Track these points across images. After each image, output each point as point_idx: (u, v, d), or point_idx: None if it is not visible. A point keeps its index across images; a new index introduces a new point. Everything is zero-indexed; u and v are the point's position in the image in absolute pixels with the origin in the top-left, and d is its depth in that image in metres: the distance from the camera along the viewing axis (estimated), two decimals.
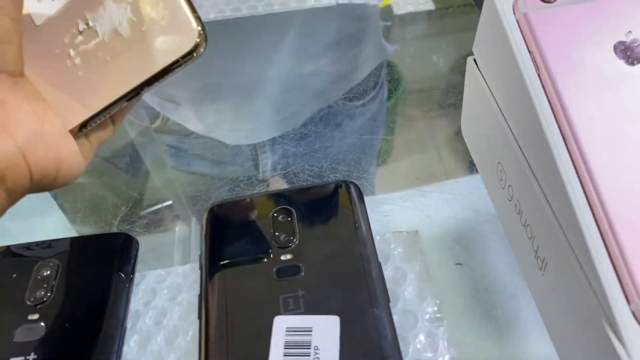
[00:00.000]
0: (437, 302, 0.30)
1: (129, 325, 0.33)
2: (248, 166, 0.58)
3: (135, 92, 0.25)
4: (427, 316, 0.30)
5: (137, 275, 0.35)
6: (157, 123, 0.58)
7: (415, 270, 0.32)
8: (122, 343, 0.32)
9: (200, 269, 0.33)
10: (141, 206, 0.53)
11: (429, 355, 0.28)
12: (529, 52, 0.28)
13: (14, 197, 0.24)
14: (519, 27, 0.28)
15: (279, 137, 0.56)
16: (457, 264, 0.35)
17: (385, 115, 0.60)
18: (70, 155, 0.25)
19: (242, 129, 0.58)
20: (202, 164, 0.59)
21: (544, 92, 0.27)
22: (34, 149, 0.24)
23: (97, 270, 0.34)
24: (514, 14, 0.29)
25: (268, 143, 0.58)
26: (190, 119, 0.57)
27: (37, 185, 0.25)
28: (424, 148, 0.50)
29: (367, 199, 0.37)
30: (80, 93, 0.25)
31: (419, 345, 0.29)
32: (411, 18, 0.65)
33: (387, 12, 0.67)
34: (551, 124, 0.26)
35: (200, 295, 0.32)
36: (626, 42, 0.27)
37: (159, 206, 0.52)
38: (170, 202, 0.53)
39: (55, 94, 0.25)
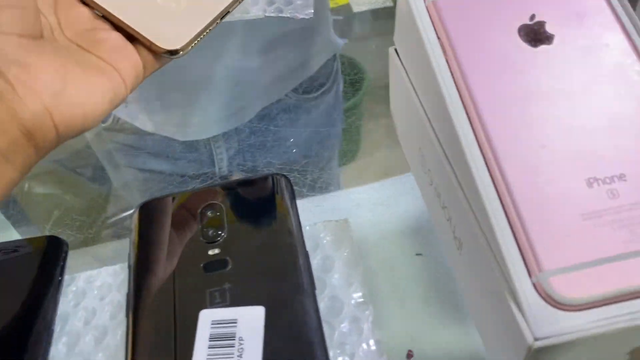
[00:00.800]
0: (364, 287, 0.31)
1: (57, 327, 0.32)
2: (204, 163, 0.57)
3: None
4: (353, 302, 0.30)
5: (67, 277, 0.35)
6: (109, 122, 0.57)
7: (343, 257, 0.32)
8: (49, 345, 0.31)
9: (129, 267, 0.33)
10: (97, 209, 0.52)
11: (354, 338, 0.29)
12: (438, 38, 0.28)
13: (42, 151, 0.26)
14: (429, 14, 0.29)
15: (234, 132, 0.56)
16: (417, 254, 0.35)
17: (343, 110, 0.60)
18: (94, 106, 0.27)
19: (190, 125, 0.57)
20: (157, 162, 0.58)
21: (451, 77, 0.27)
22: (59, 108, 0.26)
23: (24, 274, 0.34)
24: (424, 1, 0.29)
25: (222, 139, 0.57)
26: (139, 117, 0.56)
27: (65, 137, 0.27)
28: (388, 143, 0.50)
29: (328, 194, 0.37)
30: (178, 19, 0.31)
31: (344, 330, 0.29)
32: (370, 15, 0.66)
33: (345, 9, 0.67)
34: (458, 107, 0.26)
35: (128, 294, 0.32)
36: (530, 24, 0.28)
37: (121, 216, 0.51)
38: (130, 211, 0.52)
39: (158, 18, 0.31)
